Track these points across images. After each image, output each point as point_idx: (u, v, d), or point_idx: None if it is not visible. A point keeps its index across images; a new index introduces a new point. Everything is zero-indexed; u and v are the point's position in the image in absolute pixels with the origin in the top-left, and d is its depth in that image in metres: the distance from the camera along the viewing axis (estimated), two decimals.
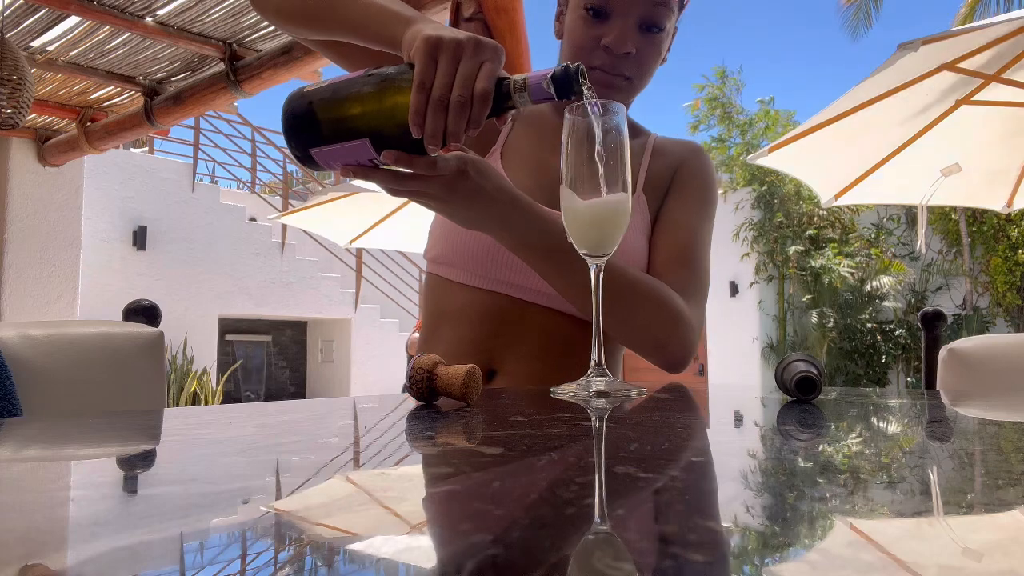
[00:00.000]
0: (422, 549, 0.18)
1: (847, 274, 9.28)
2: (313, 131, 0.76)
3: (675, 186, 1.16)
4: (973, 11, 10.81)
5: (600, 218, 0.76)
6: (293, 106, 0.77)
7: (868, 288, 9.31)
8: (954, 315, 8.91)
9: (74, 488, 0.29)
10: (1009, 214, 4.35)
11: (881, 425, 0.51)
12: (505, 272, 1.04)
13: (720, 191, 11.18)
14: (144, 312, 1.17)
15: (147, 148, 8.88)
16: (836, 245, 9.70)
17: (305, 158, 0.79)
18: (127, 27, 3.46)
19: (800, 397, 0.67)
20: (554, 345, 1.05)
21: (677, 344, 0.97)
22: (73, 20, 3.46)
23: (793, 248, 9.75)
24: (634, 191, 1.11)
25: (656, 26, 1.03)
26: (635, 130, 1.21)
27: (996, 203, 3.97)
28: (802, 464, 0.31)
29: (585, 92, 0.73)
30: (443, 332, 1.09)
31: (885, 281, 9.24)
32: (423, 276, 5.94)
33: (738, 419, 0.58)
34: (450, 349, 1.07)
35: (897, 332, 9.30)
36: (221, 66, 3.78)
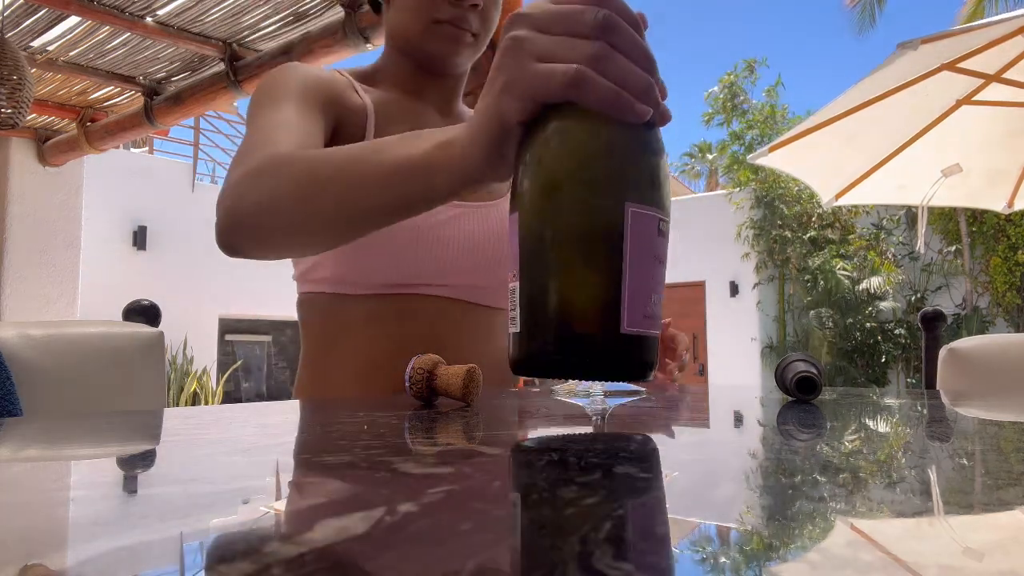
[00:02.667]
0: (421, 549, 0.18)
1: (843, 276, 9.28)
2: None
3: None
4: (979, 10, 10.82)
5: None
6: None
7: (861, 288, 9.32)
8: (954, 315, 8.91)
9: (74, 488, 0.29)
10: (1009, 214, 4.35)
11: (881, 425, 0.51)
12: (404, 273, 0.99)
13: (726, 192, 11.12)
14: (144, 312, 1.17)
15: (147, 148, 8.88)
16: (835, 246, 9.70)
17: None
18: (127, 27, 3.46)
19: (800, 397, 0.67)
20: (468, 336, 1.04)
21: None
22: (73, 20, 3.46)
23: (795, 249, 9.75)
24: None
25: None
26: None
27: (996, 203, 3.97)
28: (802, 464, 0.31)
29: None
30: (346, 346, 1.02)
31: (876, 281, 9.24)
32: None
33: (738, 419, 0.58)
34: (356, 363, 1.01)
35: (897, 332, 9.30)
36: (221, 66, 3.78)
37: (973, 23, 2.89)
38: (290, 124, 0.84)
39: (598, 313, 0.45)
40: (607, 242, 0.45)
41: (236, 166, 0.76)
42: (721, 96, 11.21)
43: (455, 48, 1.01)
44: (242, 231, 0.70)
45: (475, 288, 1.02)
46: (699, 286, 10.80)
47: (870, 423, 0.51)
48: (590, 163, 0.46)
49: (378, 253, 0.96)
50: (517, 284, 0.47)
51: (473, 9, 0.99)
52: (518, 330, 0.47)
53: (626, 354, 0.46)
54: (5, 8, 3.29)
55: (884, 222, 9.66)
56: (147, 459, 0.37)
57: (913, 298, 9.39)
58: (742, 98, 11.06)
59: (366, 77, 1.09)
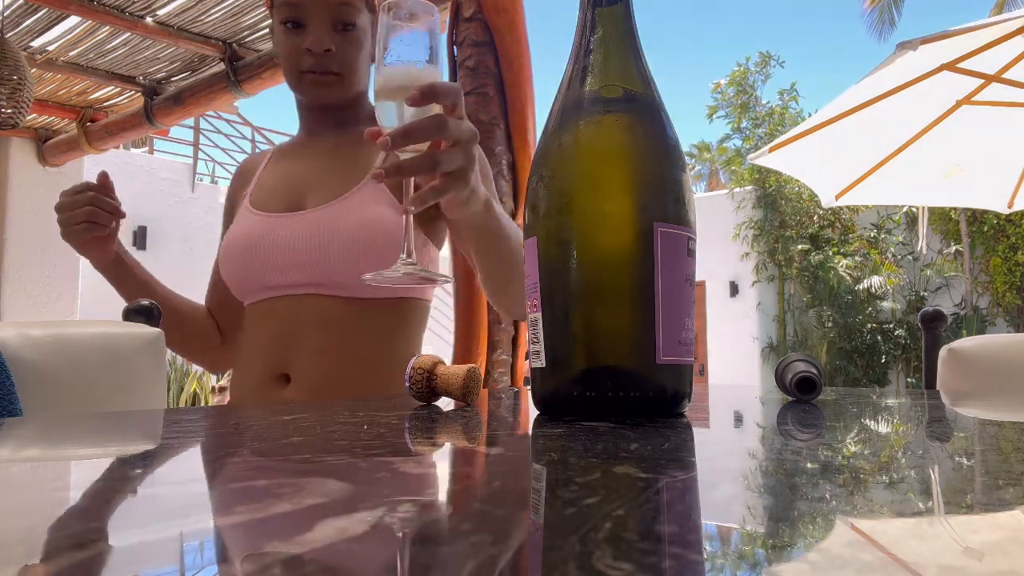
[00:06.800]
0: (422, 549, 0.18)
1: (845, 274, 9.27)
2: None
3: None
4: (1001, 10, 10.86)
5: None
6: None
7: (861, 288, 9.32)
8: (954, 315, 8.92)
9: (74, 488, 0.29)
10: (1009, 214, 4.34)
11: (881, 425, 0.51)
12: (266, 275, 1.11)
13: (727, 191, 11.14)
14: (144, 312, 1.17)
15: (147, 148, 8.88)
16: (836, 245, 9.70)
17: None
18: (127, 27, 3.46)
19: (800, 397, 0.67)
20: (338, 329, 1.11)
21: None
22: (73, 20, 3.46)
23: (798, 247, 9.74)
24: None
25: (349, 23, 1.13)
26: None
27: (997, 203, 3.97)
28: (802, 464, 0.31)
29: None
30: (242, 344, 1.18)
31: (876, 281, 9.24)
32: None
33: (738, 419, 0.58)
34: (244, 358, 1.16)
35: (897, 332, 9.30)
36: (221, 66, 3.78)
37: (973, 23, 2.89)
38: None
39: (632, 343, 0.41)
40: (637, 266, 0.41)
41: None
42: (728, 91, 11.14)
43: (323, 91, 1.16)
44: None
45: (311, 284, 1.10)
46: (699, 286, 10.81)
47: (870, 423, 0.51)
48: (615, 180, 0.42)
49: (231, 269, 1.15)
50: (539, 314, 0.44)
51: (328, 54, 1.12)
52: (542, 365, 0.44)
53: (662, 387, 0.43)
54: (5, 8, 3.29)
55: (884, 222, 9.66)
56: (147, 459, 0.37)
57: (913, 298, 9.39)
58: (750, 95, 11.01)
59: (294, 138, 1.30)
